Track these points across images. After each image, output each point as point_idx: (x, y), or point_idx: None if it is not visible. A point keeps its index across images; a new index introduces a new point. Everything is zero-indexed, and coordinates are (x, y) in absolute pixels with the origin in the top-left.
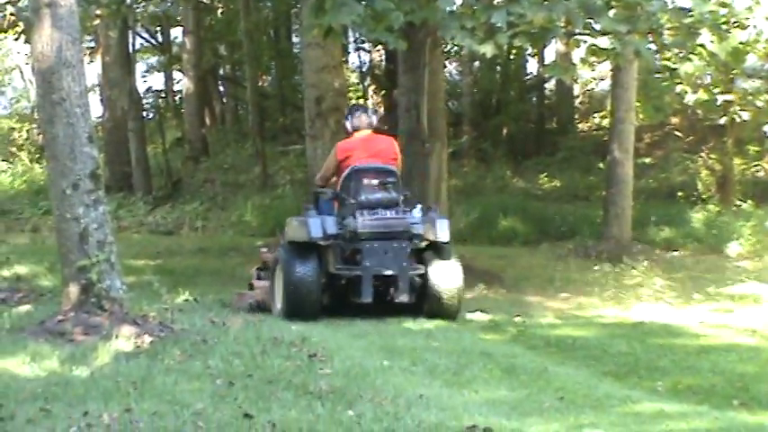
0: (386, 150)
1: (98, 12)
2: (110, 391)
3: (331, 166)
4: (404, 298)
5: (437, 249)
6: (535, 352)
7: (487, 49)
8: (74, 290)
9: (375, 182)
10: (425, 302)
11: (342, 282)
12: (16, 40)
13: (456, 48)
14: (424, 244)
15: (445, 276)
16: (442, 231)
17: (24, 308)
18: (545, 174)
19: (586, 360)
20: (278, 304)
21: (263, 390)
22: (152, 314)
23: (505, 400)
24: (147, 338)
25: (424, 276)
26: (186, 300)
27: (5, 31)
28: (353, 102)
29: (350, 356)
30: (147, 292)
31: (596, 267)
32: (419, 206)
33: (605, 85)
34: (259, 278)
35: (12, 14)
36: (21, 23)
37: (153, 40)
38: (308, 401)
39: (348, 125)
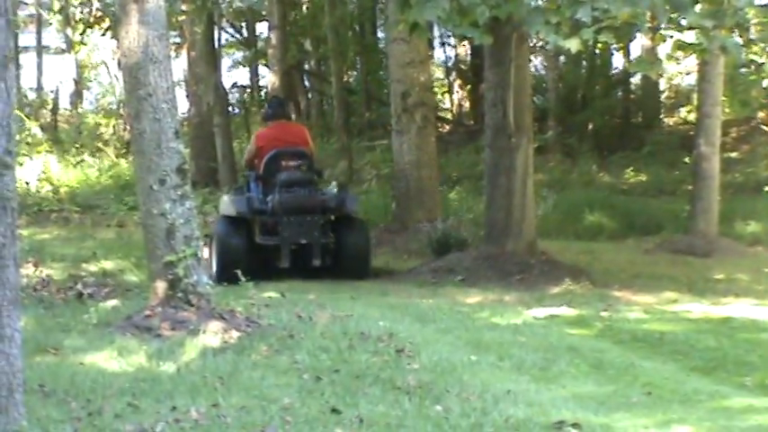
0: (298, 137)
1: (184, 7)
2: (197, 387)
3: (252, 151)
4: (317, 262)
5: (348, 220)
6: (622, 347)
7: (572, 45)
8: (161, 285)
9: (292, 163)
10: (341, 265)
11: (266, 250)
12: (103, 35)
13: (541, 42)
14: (333, 217)
15: (355, 243)
16: (351, 206)
17: (111, 303)
18: (631, 168)
19: (674, 355)
20: (213, 269)
21: (351, 385)
22: (239, 309)
23: (593, 396)
24: (234, 333)
25: (337, 243)
26: (272, 295)
27: (92, 27)
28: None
29: (437, 351)
30: (233, 287)
31: (683, 262)
32: (334, 183)
33: (691, 79)
34: None
35: (98, 10)
36: (107, 19)
37: (238, 35)
38: (395, 396)
39: (264, 113)
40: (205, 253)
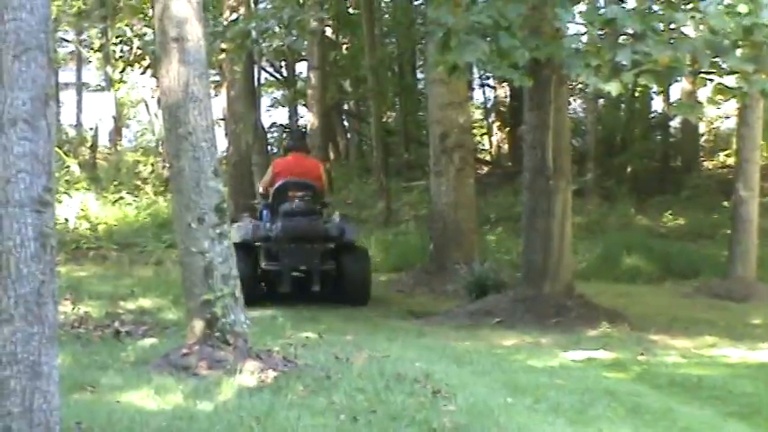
0: (312, 170)
1: (224, 46)
2: (233, 426)
3: (268, 178)
4: (316, 288)
5: (349, 249)
6: (660, 391)
7: (612, 88)
8: (198, 324)
9: (298, 194)
10: (341, 291)
11: (270, 275)
12: (143, 73)
13: (581, 85)
14: (334, 245)
15: (355, 270)
16: (350, 234)
17: (149, 341)
18: (669, 212)
19: (711, 400)
20: None
21: (387, 426)
22: (276, 349)
23: None
24: (271, 373)
25: (338, 270)
26: (309, 335)
27: (132, 65)
28: (477, 137)
29: (473, 393)
30: (270, 327)
31: (721, 306)
32: (337, 214)
33: (731, 123)
34: None
35: (138, 48)
36: (147, 57)
37: (277, 75)
38: None
39: (285, 145)
40: None
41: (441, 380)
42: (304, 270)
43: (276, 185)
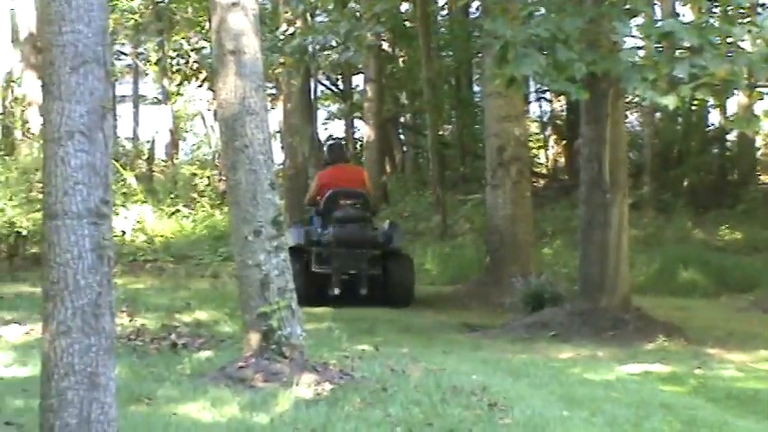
0: (356, 178)
1: (281, 60)
2: None
3: (313, 192)
4: (363, 291)
5: (395, 255)
6: (715, 405)
7: (669, 102)
8: (254, 336)
9: (349, 202)
10: (387, 295)
11: (320, 278)
12: (200, 86)
13: (637, 99)
14: (381, 251)
15: (400, 275)
16: (397, 241)
17: (205, 354)
18: (726, 225)
19: (767, 414)
20: None
21: None
22: (332, 361)
23: None
24: (328, 386)
25: (384, 275)
26: (365, 348)
27: (189, 79)
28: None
29: (530, 406)
30: (326, 339)
31: None
32: (387, 222)
33: None
34: None
35: (195, 61)
36: (204, 70)
37: (334, 88)
38: None
39: (325, 158)
40: None
41: (497, 393)
42: (353, 274)
43: (327, 195)
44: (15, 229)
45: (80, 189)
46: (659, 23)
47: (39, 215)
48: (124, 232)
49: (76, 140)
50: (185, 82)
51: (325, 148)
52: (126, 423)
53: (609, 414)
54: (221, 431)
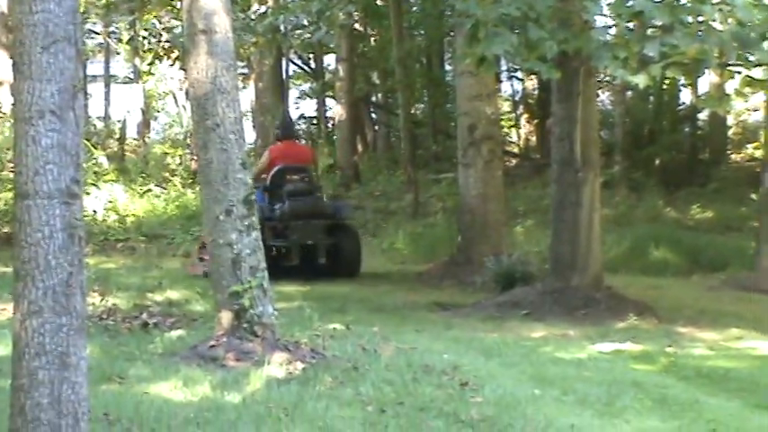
0: (304, 156)
1: (254, 39)
2: (262, 417)
3: (264, 165)
4: (322, 260)
5: (342, 226)
6: (687, 383)
7: (640, 80)
8: (226, 315)
9: (295, 177)
10: (336, 265)
11: (273, 252)
12: (172, 65)
13: (608, 77)
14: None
15: (349, 246)
16: (345, 212)
17: (176, 333)
18: (697, 204)
19: (739, 392)
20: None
21: (415, 417)
22: (304, 341)
23: (657, 431)
24: (299, 365)
25: (333, 246)
26: (336, 327)
27: (161, 58)
28: (504, 128)
29: (501, 385)
30: (297, 318)
31: (748, 299)
32: (328, 194)
33: (759, 115)
34: (200, 254)
35: (167, 41)
36: (175, 50)
37: (306, 67)
38: (459, 430)
39: (276, 133)
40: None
41: (468, 372)
42: (310, 244)
43: (274, 171)
44: None
45: (51, 169)
46: (630, 2)
47: (10, 195)
48: (95, 212)
49: (47, 120)
50: (157, 61)
51: (276, 125)
52: (97, 402)
53: (580, 393)
54: (193, 410)
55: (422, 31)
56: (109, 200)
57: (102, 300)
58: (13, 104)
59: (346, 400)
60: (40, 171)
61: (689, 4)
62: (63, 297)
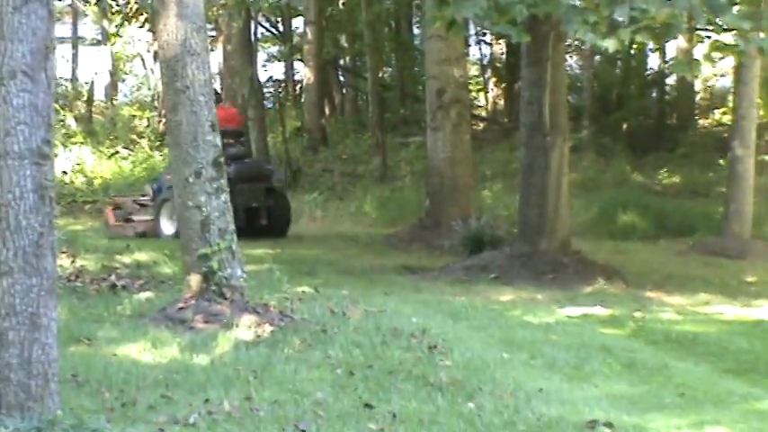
0: (235, 118)
1: (222, 1)
2: (230, 379)
3: None
4: (264, 222)
5: (275, 190)
6: (655, 347)
7: (610, 45)
8: (195, 278)
9: (231, 141)
10: (269, 226)
11: None
12: (141, 27)
13: (577, 42)
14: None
15: (281, 208)
16: (278, 176)
17: (145, 295)
18: (665, 169)
19: (707, 356)
20: (169, 230)
21: (384, 380)
22: (272, 303)
23: (625, 395)
24: (268, 327)
25: (271, 207)
26: (305, 290)
27: (130, 20)
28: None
29: (469, 348)
30: (266, 281)
31: (716, 264)
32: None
33: (727, 81)
34: (116, 217)
35: (136, 2)
36: (144, 12)
37: (274, 30)
38: (428, 393)
39: None
40: (143, 216)
41: (437, 335)
42: (254, 207)
43: None
44: None
45: (22, 129)
46: None
47: None
48: (65, 173)
49: (19, 80)
50: (125, 23)
51: None
52: (66, 363)
53: (548, 356)
54: (161, 372)
55: None
56: (77, 162)
57: (72, 262)
58: None
59: (315, 362)
60: (11, 131)
61: None
62: (33, 258)
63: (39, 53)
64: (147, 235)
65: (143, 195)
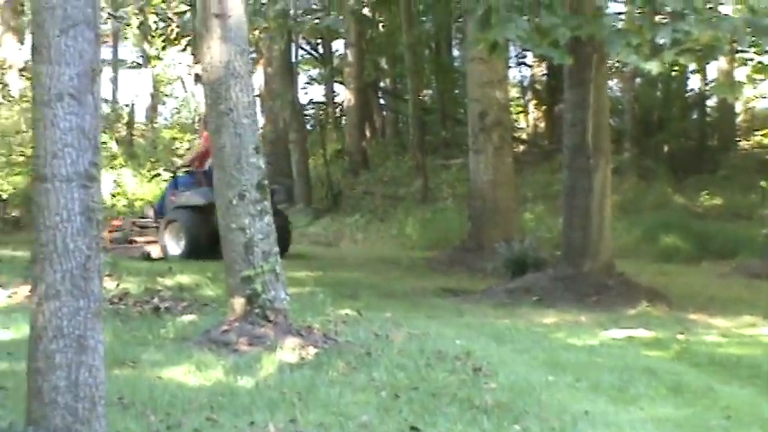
0: None
1: (265, 25)
2: (275, 402)
3: (200, 151)
4: None
5: (277, 209)
6: (700, 370)
7: (652, 67)
8: (239, 300)
9: None
10: None
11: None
12: (183, 50)
13: (618, 64)
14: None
15: (282, 227)
16: (279, 196)
17: (188, 317)
18: (706, 191)
19: (752, 379)
20: (175, 251)
21: (428, 403)
22: (316, 326)
23: (671, 418)
24: (312, 350)
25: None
26: (348, 312)
27: (173, 43)
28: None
29: (514, 371)
30: (309, 304)
31: (758, 286)
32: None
33: (767, 103)
34: (115, 239)
35: (178, 26)
36: (186, 36)
37: (314, 52)
38: (473, 416)
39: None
40: (145, 238)
41: (481, 357)
42: None
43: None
44: None
45: (69, 152)
46: None
47: (19, 178)
48: (111, 195)
49: (66, 103)
50: (167, 46)
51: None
52: (111, 386)
53: (593, 379)
54: (206, 395)
55: (430, 17)
56: (118, 184)
57: (117, 285)
58: (19, 89)
59: (360, 385)
60: (59, 154)
61: None
62: (81, 280)
63: (86, 76)
64: (151, 256)
65: (142, 217)
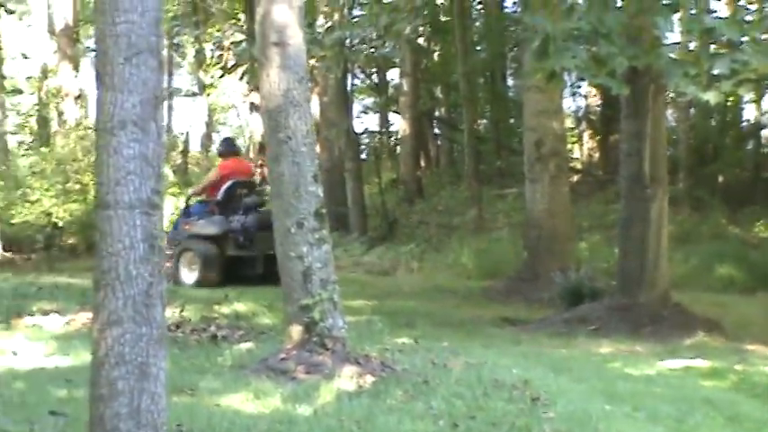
0: (249, 170)
1: (322, 53)
2: (333, 430)
3: (214, 180)
4: (277, 268)
5: None
6: (758, 400)
7: (711, 97)
8: (296, 328)
9: (245, 191)
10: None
11: (236, 260)
12: (241, 79)
13: (673, 94)
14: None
15: None
16: None
17: (245, 345)
18: (761, 222)
19: None
20: (188, 279)
21: None
22: (373, 354)
23: None
24: (369, 378)
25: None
26: (405, 341)
27: (229, 72)
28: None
29: (572, 401)
30: (367, 332)
31: None
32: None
33: None
34: None
35: (236, 55)
36: (241, 65)
37: (369, 81)
38: None
39: (220, 151)
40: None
41: (539, 387)
42: (272, 254)
43: (226, 186)
44: (52, 220)
45: (132, 179)
46: (702, 19)
47: (75, 206)
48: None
49: (129, 131)
50: (224, 75)
51: (219, 142)
52: (170, 413)
53: (651, 409)
54: (265, 423)
55: (485, 46)
56: (173, 212)
57: (180, 311)
58: (79, 118)
59: (418, 413)
60: (122, 182)
61: (757, 20)
62: (143, 307)
63: (149, 104)
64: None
65: None
